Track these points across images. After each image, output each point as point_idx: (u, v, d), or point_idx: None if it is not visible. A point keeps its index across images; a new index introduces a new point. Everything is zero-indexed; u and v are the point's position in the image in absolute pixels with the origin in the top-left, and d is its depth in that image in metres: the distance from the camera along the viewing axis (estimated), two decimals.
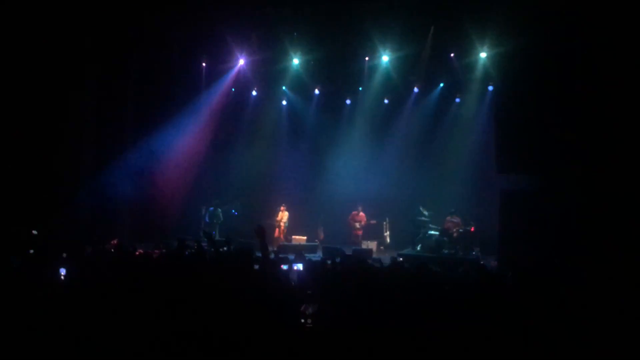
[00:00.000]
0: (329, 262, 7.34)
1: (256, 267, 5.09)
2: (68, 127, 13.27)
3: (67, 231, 11.78)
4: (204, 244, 7.51)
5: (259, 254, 5.45)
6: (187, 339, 4.24)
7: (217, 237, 16.19)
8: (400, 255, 14.17)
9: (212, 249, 6.37)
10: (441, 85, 16.96)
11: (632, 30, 9.74)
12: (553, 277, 7.32)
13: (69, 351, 4.42)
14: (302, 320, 4.86)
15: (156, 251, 10.34)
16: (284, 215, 16.80)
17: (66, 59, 12.89)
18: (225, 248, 7.98)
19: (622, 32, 9.91)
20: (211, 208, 16.89)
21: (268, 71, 16.68)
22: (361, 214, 16.77)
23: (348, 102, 18.26)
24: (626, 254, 9.18)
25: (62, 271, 6.09)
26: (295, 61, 15.93)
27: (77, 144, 13.52)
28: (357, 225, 16.68)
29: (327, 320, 4.66)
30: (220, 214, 16.98)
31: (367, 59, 15.78)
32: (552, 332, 4.40)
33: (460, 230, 14.86)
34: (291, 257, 8.63)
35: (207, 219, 16.83)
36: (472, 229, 14.83)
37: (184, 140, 17.21)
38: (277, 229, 16.79)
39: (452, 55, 15.03)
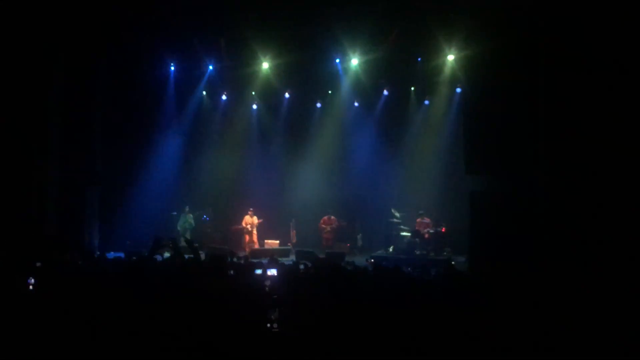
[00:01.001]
0: (302, 266, 7.36)
1: (231, 272, 5.08)
2: (33, 135, 12.98)
3: (35, 240, 11.55)
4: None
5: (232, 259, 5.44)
6: (158, 346, 4.21)
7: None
8: (372, 257, 14.26)
9: (179, 257, 6.31)
10: (412, 89, 17.15)
11: (599, 32, 9.96)
12: (522, 277, 7.44)
13: None
14: (268, 325, 4.84)
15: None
16: (253, 220, 16.73)
17: (31, 66, 12.65)
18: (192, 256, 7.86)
19: (590, 33, 10.13)
20: (182, 214, 16.78)
21: (237, 75, 16.62)
22: (332, 217, 16.82)
23: (319, 105, 18.33)
24: (594, 254, 9.38)
25: (30, 281, 5.98)
26: (265, 65, 15.91)
27: (42, 152, 13.23)
28: (328, 228, 16.71)
29: (294, 324, 4.66)
30: (192, 220, 16.88)
31: (337, 60, 15.85)
32: (523, 331, 4.47)
33: (431, 231, 15.03)
34: (264, 261, 8.61)
35: (178, 226, 16.71)
36: (443, 230, 15.02)
37: (153, 147, 17.08)
38: (247, 235, 16.71)
39: (419, 59, 15.18)
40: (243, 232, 16.76)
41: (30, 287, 5.90)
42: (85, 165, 14.34)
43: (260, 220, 16.75)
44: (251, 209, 16.83)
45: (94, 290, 5.21)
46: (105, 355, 4.24)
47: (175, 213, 16.94)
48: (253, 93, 17.90)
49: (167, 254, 9.86)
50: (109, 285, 5.38)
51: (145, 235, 14.65)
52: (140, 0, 12.89)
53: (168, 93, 16.85)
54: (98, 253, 11.43)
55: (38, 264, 6.75)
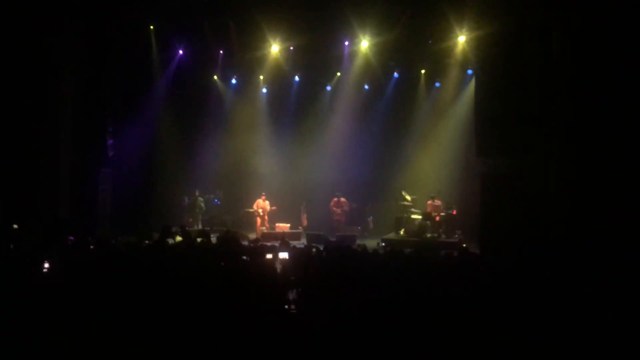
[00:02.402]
0: (313, 249, 7.38)
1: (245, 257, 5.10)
2: (45, 120, 13.04)
3: (48, 224, 11.64)
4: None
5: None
6: (173, 331, 4.25)
7: (199, 227, 16.22)
8: (383, 240, 14.29)
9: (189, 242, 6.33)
10: (422, 71, 17.04)
11: (616, 13, 9.81)
12: (533, 260, 7.43)
13: (52, 346, 4.40)
14: (286, 306, 4.87)
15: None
16: (264, 205, 16.71)
17: (42, 50, 12.68)
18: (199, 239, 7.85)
19: (606, 14, 9.99)
20: (192, 198, 16.88)
21: (247, 59, 16.57)
22: (342, 199, 16.77)
23: (328, 88, 18.26)
24: (605, 237, 9.33)
25: (45, 265, 6.03)
26: (275, 48, 15.84)
27: (54, 135, 13.30)
28: (339, 211, 16.69)
29: (310, 306, 4.68)
30: (203, 204, 16.95)
31: (346, 43, 15.73)
32: (533, 315, 4.46)
33: (443, 213, 15.00)
34: (276, 244, 8.64)
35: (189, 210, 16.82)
36: (454, 212, 14.99)
37: (163, 130, 17.14)
38: (258, 218, 16.69)
39: (430, 41, 15.04)
40: (255, 215, 16.78)
41: (44, 270, 5.96)
42: (96, 149, 14.41)
43: (273, 208, 16.67)
44: (263, 193, 16.82)
45: (106, 273, 5.25)
46: (118, 339, 4.28)
47: (186, 197, 17.03)
48: (261, 77, 17.87)
49: (179, 239, 9.92)
50: (122, 269, 5.42)
51: (158, 219, 14.78)
52: None
53: (177, 76, 16.82)
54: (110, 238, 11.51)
55: (51, 248, 6.82)
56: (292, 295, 4.90)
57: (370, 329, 4.03)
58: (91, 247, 7.41)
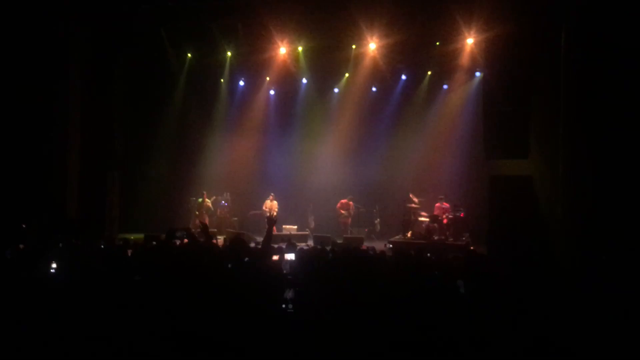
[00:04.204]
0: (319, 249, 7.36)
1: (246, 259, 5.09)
2: (55, 120, 13.14)
3: (57, 225, 11.70)
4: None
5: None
6: (175, 332, 4.25)
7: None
8: (390, 243, 14.25)
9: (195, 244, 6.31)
10: (429, 73, 16.97)
11: (625, 16, 9.76)
12: (541, 263, 7.38)
13: (59, 346, 4.41)
14: (283, 306, 4.85)
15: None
16: (273, 205, 16.75)
17: (51, 53, 12.78)
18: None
19: (615, 17, 9.93)
20: (199, 200, 16.89)
21: (255, 61, 16.58)
22: (350, 202, 16.72)
23: (336, 90, 18.23)
24: (615, 240, 9.26)
25: (53, 265, 6.05)
26: (283, 50, 15.84)
27: (63, 136, 13.38)
28: (345, 213, 16.64)
29: (309, 306, 4.66)
30: (210, 205, 16.98)
31: (354, 46, 15.70)
32: (541, 319, 4.42)
33: (450, 216, 14.95)
34: (282, 245, 8.64)
35: (196, 211, 16.82)
36: (462, 215, 14.94)
37: (172, 131, 17.23)
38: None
39: (438, 43, 14.97)
40: (263, 216, 16.77)
41: (52, 270, 5.98)
42: (105, 149, 14.46)
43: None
44: (272, 193, 16.85)
45: (114, 273, 5.27)
46: (124, 337, 4.29)
47: (193, 198, 17.07)
48: (268, 79, 17.87)
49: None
50: (129, 269, 5.43)
51: (165, 219, 14.83)
52: None
53: (186, 78, 16.93)
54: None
55: (60, 248, 6.85)
56: (289, 295, 4.89)
57: (371, 331, 4.01)
58: (99, 247, 7.45)
